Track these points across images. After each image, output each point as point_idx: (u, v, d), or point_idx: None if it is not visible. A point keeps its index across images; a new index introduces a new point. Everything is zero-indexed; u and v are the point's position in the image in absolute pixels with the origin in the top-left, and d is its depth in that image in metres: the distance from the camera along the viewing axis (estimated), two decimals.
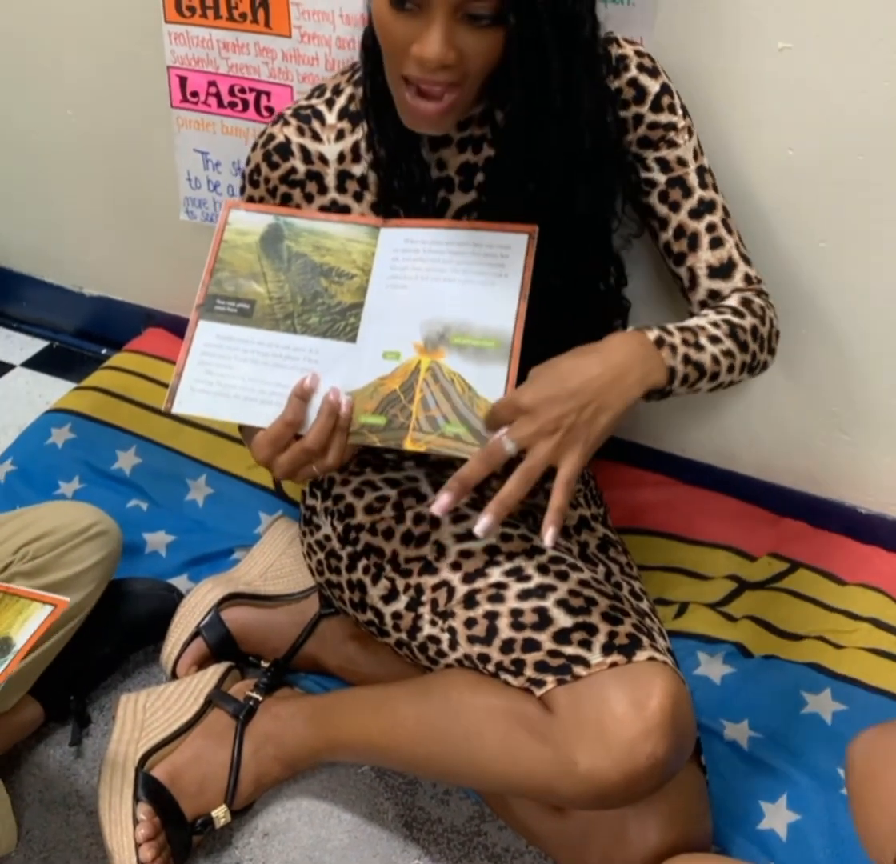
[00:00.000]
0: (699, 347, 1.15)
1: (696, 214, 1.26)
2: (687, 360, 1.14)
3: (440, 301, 1.17)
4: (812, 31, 1.28)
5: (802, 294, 1.46)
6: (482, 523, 1.07)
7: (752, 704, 1.41)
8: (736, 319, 1.21)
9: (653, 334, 1.13)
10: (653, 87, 1.24)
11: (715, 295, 1.27)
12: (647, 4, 1.34)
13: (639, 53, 1.24)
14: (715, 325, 1.19)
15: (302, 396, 1.14)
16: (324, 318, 1.19)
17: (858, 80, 1.29)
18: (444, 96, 1.09)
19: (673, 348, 1.13)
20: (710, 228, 1.26)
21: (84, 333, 2.22)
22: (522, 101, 1.11)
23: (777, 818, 1.30)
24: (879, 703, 1.40)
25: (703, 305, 1.28)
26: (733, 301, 1.25)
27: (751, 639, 1.49)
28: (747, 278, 1.27)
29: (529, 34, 1.03)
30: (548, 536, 1.06)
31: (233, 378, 1.18)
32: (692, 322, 1.19)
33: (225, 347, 1.19)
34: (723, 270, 1.27)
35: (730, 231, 1.28)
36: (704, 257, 1.27)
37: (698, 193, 1.26)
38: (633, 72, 1.23)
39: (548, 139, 1.13)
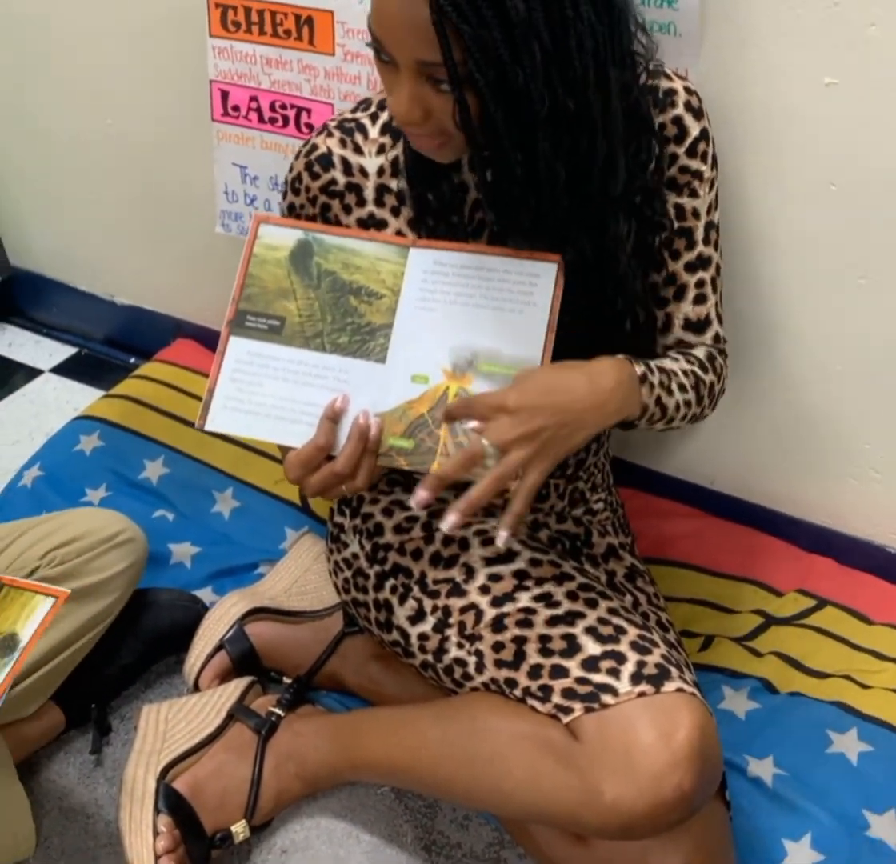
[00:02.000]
0: (670, 392, 1.19)
1: (691, 267, 1.27)
2: (658, 401, 1.17)
3: (469, 326, 1.17)
4: (858, 67, 1.28)
5: (837, 330, 1.46)
6: (448, 521, 1.09)
7: (777, 740, 1.40)
8: (701, 374, 1.25)
9: (639, 369, 1.16)
10: (694, 129, 1.23)
11: (683, 344, 1.30)
12: (692, 35, 1.34)
13: (688, 90, 1.23)
14: (685, 374, 1.23)
15: (333, 418, 1.15)
16: (354, 337, 1.20)
17: None
18: (431, 141, 1.11)
19: (651, 387, 1.16)
20: (700, 284, 1.28)
21: (114, 342, 2.24)
22: (485, 166, 1.11)
23: (800, 857, 1.29)
24: None
25: (668, 348, 1.30)
26: (701, 354, 1.28)
27: (776, 675, 1.48)
28: (716, 337, 1.30)
29: (476, 107, 1.03)
30: (500, 539, 1.09)
31: (263, 396, 1.18)
32: (668, 365, 1.22)
33: (256, 363, 1.20)
34: (698, 326, 1.29)
35: (715, 290, 1.29)
36: (685, 309, 1.28)
37: (699, 247, 1.27)
38: (680, 109, 1.22)
39: (520, 197, 1.11)
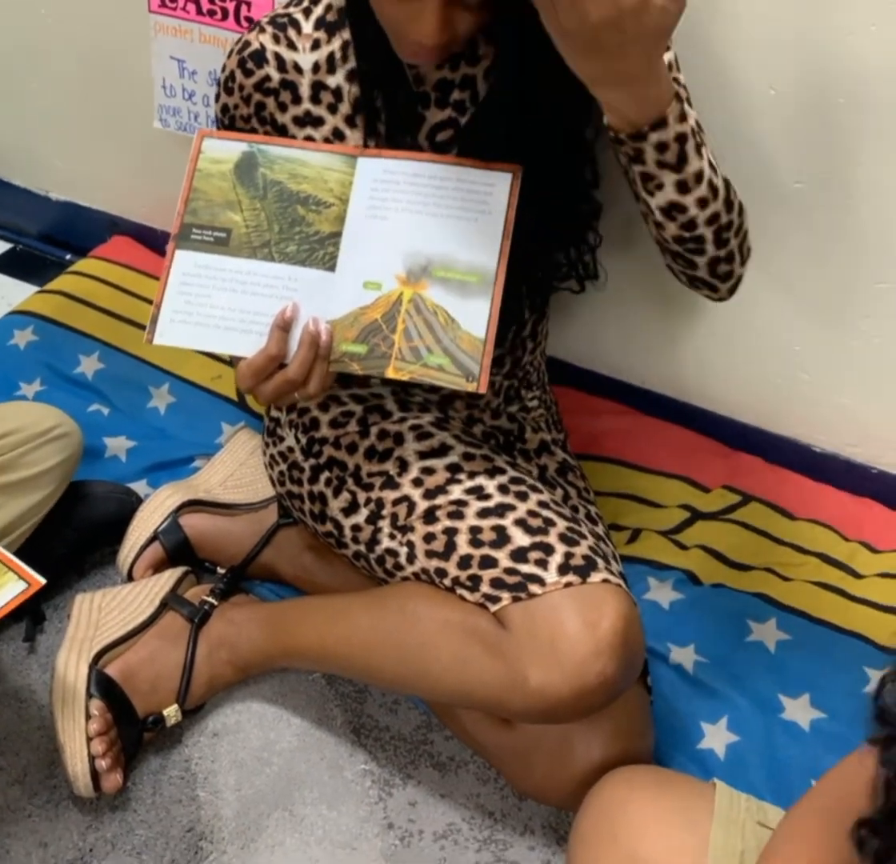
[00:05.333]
0: (699, 152, 1.09)
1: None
2: (681, 139, 1.06)
3: (422, 234, 1.16)
4: None
5: (772, 233, 1.47)
6: None
7: (699, 630, 1.44)
8: (731, 184, 1.16)
9: (680, 90, 1.06)
10: None
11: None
12: None
13: None
14: (712, 167, 1.13)
15: (283, 327, 1.14)
16: (302, 246, 1.19)
17: (843, 25, 1.28)
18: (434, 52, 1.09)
19: (683, 117, 1.05)
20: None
21: (49, 238, 2.19)
22: (508, 62, 1.11)
23: (716, 738, 1.34)
24: (822, 633, 1.44)
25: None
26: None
27: (701, 567, 1.52)
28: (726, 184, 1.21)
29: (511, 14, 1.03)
30: None
31: (212, 308, 1.17)
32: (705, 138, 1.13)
33: (203, 276, 1.18)
34: None
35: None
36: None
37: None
38: None
39: (529, 92, 1.12)
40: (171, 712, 1.33)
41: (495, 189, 1.16)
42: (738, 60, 1.37)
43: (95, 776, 1.27)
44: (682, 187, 1.09)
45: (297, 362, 1.14)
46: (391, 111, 1.22)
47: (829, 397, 1.59)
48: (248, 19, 1.62)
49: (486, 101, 1.19)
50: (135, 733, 1.32)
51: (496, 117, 1.17)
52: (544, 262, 1.30)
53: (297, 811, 1.32)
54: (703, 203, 1.11)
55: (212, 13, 1.65)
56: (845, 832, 0.78)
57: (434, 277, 1.16)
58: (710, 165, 1.11)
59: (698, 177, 1.09)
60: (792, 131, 1.39)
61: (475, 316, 1.15)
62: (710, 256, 1.17)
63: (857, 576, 1.51)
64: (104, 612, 1.39)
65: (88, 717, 1.28)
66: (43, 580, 1.15)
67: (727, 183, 1.15)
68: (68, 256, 2.14)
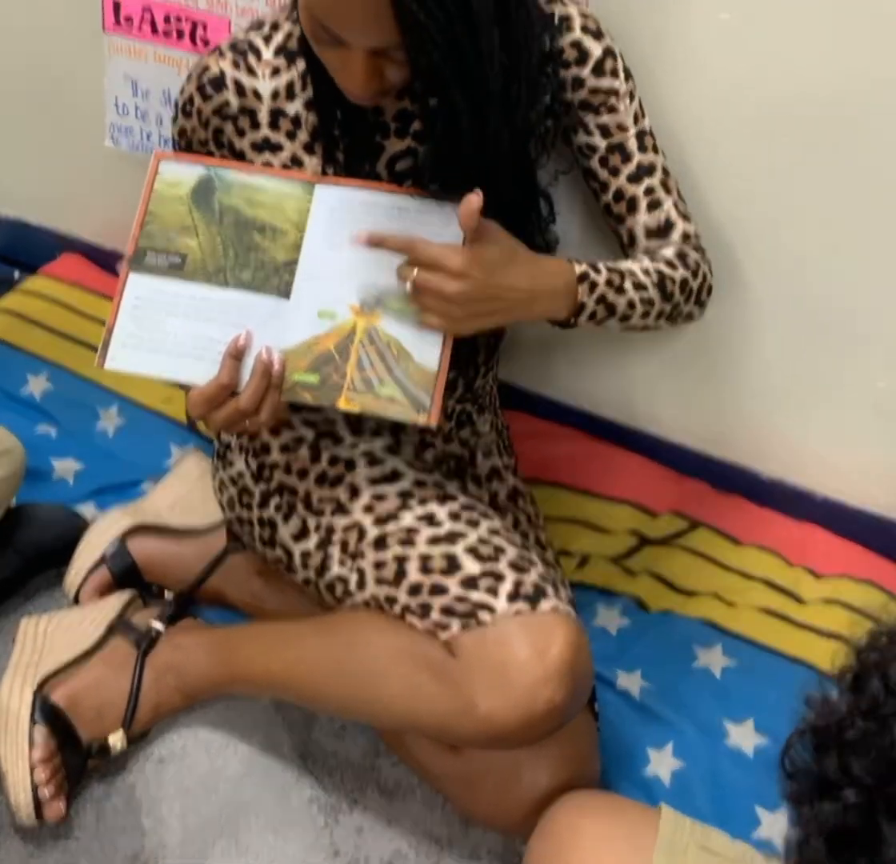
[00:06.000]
0: (620, 291, 1.19)
1: (634, 178, 1.28)
2: (602, 300, 1.18)
3: (378, 265, 1.16)
4: (752, 4, 1.30)
5: (720, 258, 1.47)
6: None
7: (646, 656, 1.45)
8: (667, 270, 1.25)
9: (580, 269, 1.17)
10: (596, 50, 1.25)
11: (653, 252, 1.30)
12: None
13: (583, 15, 1.25)
14: (645, 272, 1.23)
15: (235, 355, 1.14)
16: (257, 273, 1.18)
17: (794, 55, 1.31)
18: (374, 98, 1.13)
19: (593, 286, 1.17)
20: (648, 191, 1.29)
21: None
22: (431, 123, 1.14)
23: (662, 764, 1.35)
24: (766, 659, 1.45)
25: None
26: (669, 252, 1.28)
27: (648, 593, 1.54)
28: (685, 236, 1.30)
29: (435, 75, 1.06)
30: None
31: (165, 333, 1.17)
32: (624, 265, 1.23)
33: (156, 301, 1.18)
34: (660, 231, 1.29)
35: (668, 191, 1.30)
36: (642, 220, 1.29)
37: (637, 157, 1.28)
38: (577, 33, 1.24)
39: (459, 148, 1.14)
40: (116, 740, 1.32)
41: (452, 221, 1.16)
42: (693, 92, 1.39)
43: (38, 804, 1.25)
44: (624, 319, 1.23)
45: (250, 392, 1.14)
46: (349, 139, 1.23)
47: (773, 424, 1.61)
48: (204, 41, 1.62)
49: (432, 140, 1.20)
50: (79, 760, 1.30)
51: (446, 153, 1.18)
52: None
53: (242, 838, 1.31)
54: (645, 315, 1.24)
55: (167, 34, 1.65)
56: None
57: (388, 309, 1.16)
58: (637, 286, 1.21)
59: (631, 305, 1.21)
60: (746, 157, 1.41)
61: (428, 349, 1.15)
62: (667, 327, 1.30)
63: (801, 602, 1.53)
64: (50, 637, 1.37)
65: (32, 744, 1.27)
66: None
67: (660, 280, 1.24)
68: (16, 274, 2.12)
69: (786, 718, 1.35)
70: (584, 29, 1.24)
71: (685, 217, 1.31)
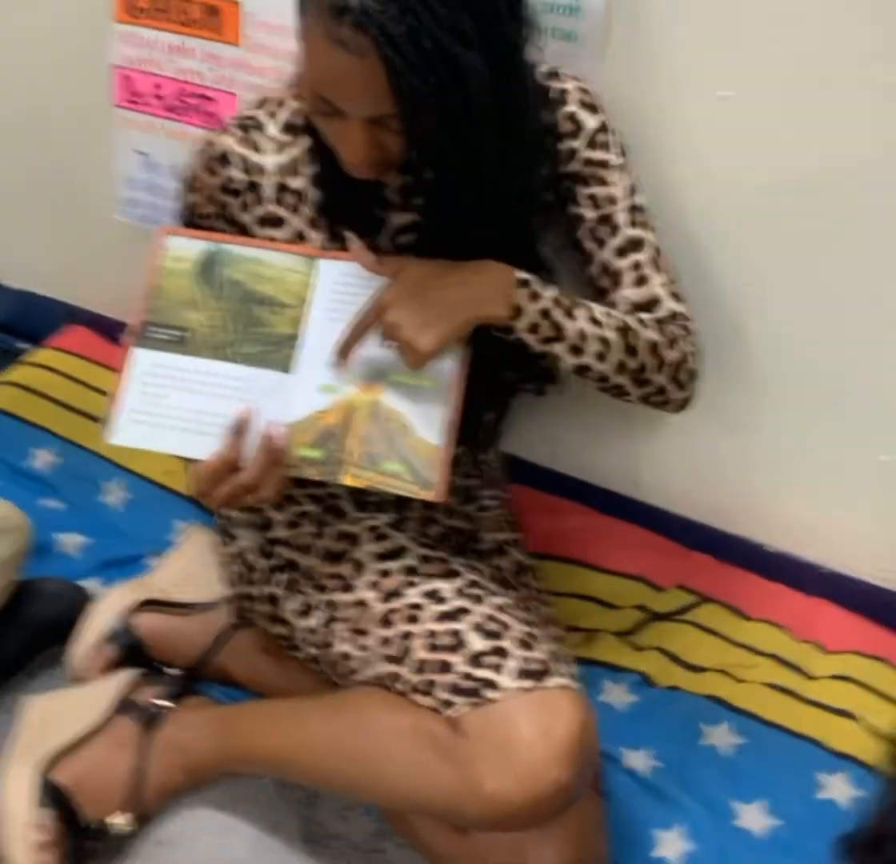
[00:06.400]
0: (569, 315, 1.17)
1: (620, 252, 1.28)
2: (546, 314, 1.16)
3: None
4: (751, 80, 1.32)
5: (725, 334, 1.49)
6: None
7: (653, 733, 1.43)
8: (635, 326, 1.22)
9: (523, 275, 1.16)
10: (590, 123, 1.26)
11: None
12: (595, 43, 1.36)
13: (580, 89, 1.27)
14: (607, 315, 1.21)
15: (238, 430, 1.15)
16: (261, 347, 1.19)
17: (793, 132, 1.33)
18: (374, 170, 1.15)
19: (535, 296, 1.16)
20: (635, 266, 1.28)
21: (3, 327, 2.18)
22: (430, 199, 1.19)
23: (670, 846, 1.33)
24: (776, 737, 1.43)
25: None
26: (645, 315, 1.27)
27: (656, 669, 1.52)
28: (673, 315, 1.28)
29: (430, 145, 1.08)
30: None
31: (169, 408, 1.18)
32: (586, 301, 1.22)
33: (161, 375, 1.19)
34: (645, 307, 1.28)
35: (658, 269, 1.28)
36: (626, 293, 1.28)
37: (625, 231, 1.28)
38: (572, 107, 1.26)
39: (458, 222, 1.17)
40: (121, 821, 1.31)
41: None
42: (690, 168, 1.41)
43: None
44: (575, 351, 1.19)
45: (253, 468, 1.14)
46: (352, 214, 1.24)
47: (779, 497, 1.61)
48: (213, 115, 1.65)
49: (431, 211, 1.22)
50: (83, 842, 1.29)
51: (445, 224, 1.20)
52: (504, 362, 1.32)
53: None
54: (601, 357, 1.20)
55: (176, 109, 1.68)
56: None
57: (390, 382, 1.17)
58: (592, 320, 1.19)
59: (582, 336, 1.18)
60: (744, 233, 1.43)
61: (431, 423, 1.16)
62: (637, 395, 1.26)
63: (810, 678, 1.51)
64: (54, 716, 1.36)
65: (36, 826, 1.25)
66: None
67: (623, 328, 1.21)
68: (23, 346, 2.14)
69: (796, 798, 1.35)
70: (581, 102, 1.26)
71: (676, 297, 1.29)
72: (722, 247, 1.45)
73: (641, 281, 1.28)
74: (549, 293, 1.17)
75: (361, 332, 1.16)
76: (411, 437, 1.15)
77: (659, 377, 1.25)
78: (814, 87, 1.30)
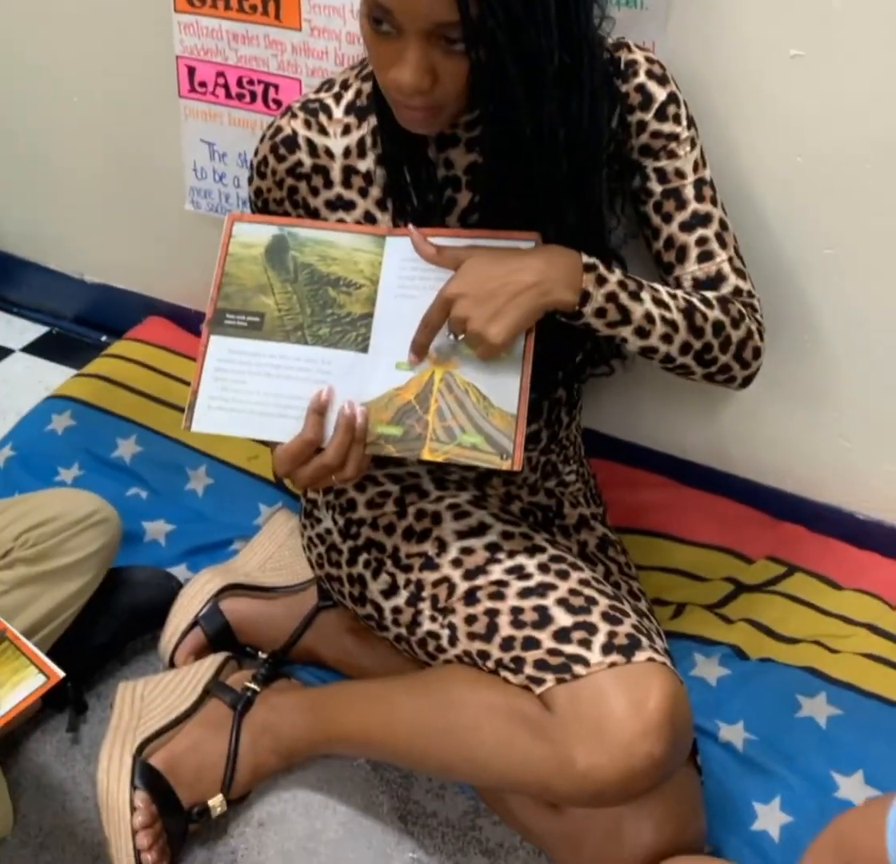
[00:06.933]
0: (635, 298, 1.15)
1: (687, 226, 1.26)
2: (612, 297, 1.14)
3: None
4: (824, 40, 1.29)
5: (806, 301, 1.47)
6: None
7: (748, 706, 1.42)
8: (700, 305, 1.20)
9: (589, 259, 1.15)
10: (660, 94, 1.24)
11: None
12: (659, 9, 1.34)
13: (649, 60, 1.24)
14: (672, 296, 1.19)
15: (319, 410, 1.15)
16: (334, 328, 1.19)
17: (868, 90, 1.29)
18: (425, 112, 1.11)
19: (602, 281, 1.14)
20: (701, 241, 1.26)
21: (84, 320, 2.22)
22: (492, 128, 1.13)
23: (770, 819, 1.31)
24: (874, 707, 1.41)
25: None
26: (709, 294, 1.24)
27: (747, 641, 1.50)
28: (737, 291, 1.26)
29: (491, 66, 1.04)
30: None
31: (248, 393, 1.18)
32: (651, 282, 1.20)
33: (237, 361, 1.19)
34: (709, 283, 1.26)
35: (724, 245, 1.26)
36: (691, 269, 1.26)
37: (692, 205, 1.26)
38: (642, 78, 1.23)
39: (521, 163, 1.13)
40: (217, 803, 1.32)
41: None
42: (763, 131, 1.38)
43: None
44: (641, 333, 1.17)
45: (334, 447, 1.14)
46: (419, 193, 1.23)
47: (870, 464, 1.58)
48: (277, 102, 1.66)
49: (486, 172, 1.20)
50: (180, 824, 1.30)
51: (502, 186, 1.18)
52: (571, 347, 1.31)
53: None
54: (667, 339, 1.18)
55: (241, 96, 1.69)
56: None
57: (463, 355, 1.16)
58: (657, 302, 1.17)
59: (649, 319, 1.16)
60: (820, 198, 1.39)
61: (506, 392, 1.15)
62: (701, 373, 1.24)
63: None
64: (147, 701, 1.38)
65: (133, 809, 1.27)
66: (61, 674, 1.16)
67: (689, 309, 1.19)
68: (104, 338, 2.17)
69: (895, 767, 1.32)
70: (650, 73, 1.24)
71: (740, 274, 1.27)
72: (801, 215, 1.42)
73: (707, 256, 1.26)
74: (614, 277, 1.15)
75: (431, 330, 1.15)
76: (487, 406, 1.15)
77: (724, 357, 1.23)
78: (886, 40, 1.26)
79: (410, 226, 1.18)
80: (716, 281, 1.26)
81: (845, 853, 0.91)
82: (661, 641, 1.26)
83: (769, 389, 1.57)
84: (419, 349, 1.16)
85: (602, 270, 1.15)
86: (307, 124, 1.25)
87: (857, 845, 0.89)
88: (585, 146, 1.15)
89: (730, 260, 1.26)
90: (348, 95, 1.26)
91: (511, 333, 1.11)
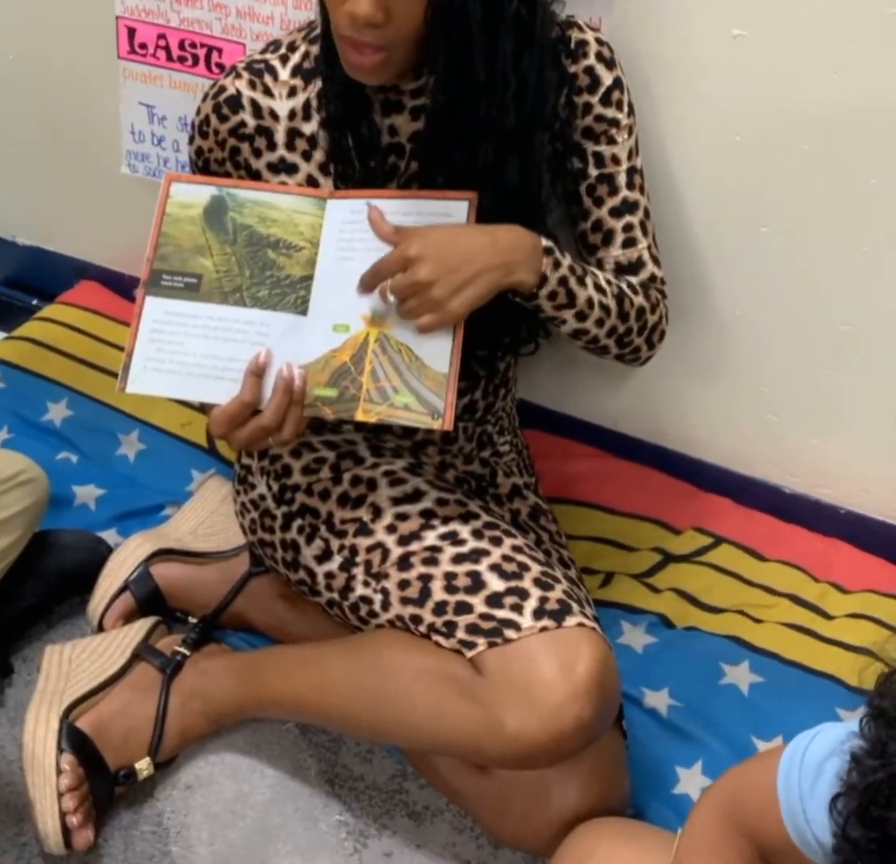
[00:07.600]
0: (581, 282, 1.19)
1: (616, 212, 1.29)
2: (563, 282, 1.17)
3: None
4: (767, 20, 1.30)
5: (739, 278, 1.49)
6: None
7: (673, 673, 1.44)
8: (628, 292, 1.26)
9: (547, 242, 1.17)
10: (607, 78, 1.25)
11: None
12: None
13: (599, 41, 1.25)
14: (608, 282, 1.24)
15: (257, 373, 1.15)
16: (273, 290, 1.19)
17: (808, 71, 1.31)
18: (374, 55, 1.10)
19: (557, 264, 1.17)
20: (627, 227, 1.30)
21: (16, 283, 2.18)
22: (446, 71, 1.12)
23: (692, 783, 1.34)
24: (794, 675, 1.44)
25: None
26: (633, 280, 1.29)
27: (673, 610, 1.53)
28: (653, 278, 1.32)
29: (451, 3, 1.04)
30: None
31: (185, 355, 1.17)
32: (590, 267, 1.23)
33: (174, 323, 1.18)
34: (630, 268, 1.31)
35: (645, 233, 1.31)
36: (614, 254, 1.30)
37: (623, 192, 1.29)
38: (591, 60, 1.24)
39: (471, 110, 1.13)
40: (144, 766, 1.32)
41: (453, 219, 1.17)
42: (703, 109, 1.39)
43: (66, 832, 1.25)
44: (580, 316, 1.21)
45: (272, 408, 1.14)
46: (362, 159, 1.23)
47: (797, 438, 1.60)
48: (220, 66, 1.64)
49: (430, 132, 1.20)
50: (107, 787, 1.30)
51: (436, 148, 1.19)
52: (502, 326, 1.32)
53: None
54: (600, 323, 1.23)
55: (182, 60, 1.67)
56: (746, 833, 0.88)
57: (397, 317, 1.17)
58: (597, 287, 1.21)
59: (590, 304, 1.20)
60: (756, 177, 1.41)
61: (438, 353, 1.16)
62: (615, 353, 1.30)
63: (828, 617, 1.52)
64: (75, 664, 1.37)
65: (59, 772, 1.26)
66: None
67: (620, 295, 1.24)
68: (35, 302, 2.13)
69: None
70: (599, 56, 1.25)
71: (656, 262, 1.33)
72: (738, 192, 1.43)
73: (630, 243, 1.30)
74: (566, 261, 1.18)
75: (381, 278, 1.15)
76: (419, 367, 1.15)
77: (638, 339, 1.29)
78: (827, 22, 1.28)
79: (368, 203, 1.17)
80: (636, 267, 1.31)
81: (737, 797, 0.95)
82: (591, 608, 1.28)
83: (700, 365, 1.59)
84: (367, 287, 1.16)
85: (557, 254, 1.17)
86: (252, 85, 1.24)
87: (749, 788, 0.93)
88: (532, 101, 1.16)
89: (649, 247, 1.32)
90: (295, 57, 1.25)
91: (470, 308, 1.13)
